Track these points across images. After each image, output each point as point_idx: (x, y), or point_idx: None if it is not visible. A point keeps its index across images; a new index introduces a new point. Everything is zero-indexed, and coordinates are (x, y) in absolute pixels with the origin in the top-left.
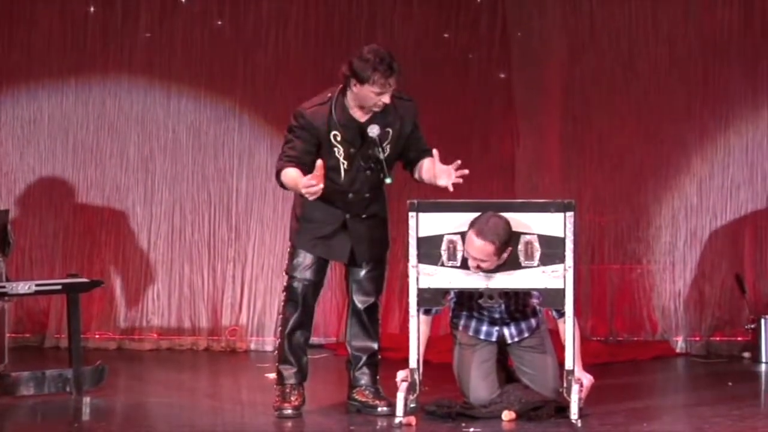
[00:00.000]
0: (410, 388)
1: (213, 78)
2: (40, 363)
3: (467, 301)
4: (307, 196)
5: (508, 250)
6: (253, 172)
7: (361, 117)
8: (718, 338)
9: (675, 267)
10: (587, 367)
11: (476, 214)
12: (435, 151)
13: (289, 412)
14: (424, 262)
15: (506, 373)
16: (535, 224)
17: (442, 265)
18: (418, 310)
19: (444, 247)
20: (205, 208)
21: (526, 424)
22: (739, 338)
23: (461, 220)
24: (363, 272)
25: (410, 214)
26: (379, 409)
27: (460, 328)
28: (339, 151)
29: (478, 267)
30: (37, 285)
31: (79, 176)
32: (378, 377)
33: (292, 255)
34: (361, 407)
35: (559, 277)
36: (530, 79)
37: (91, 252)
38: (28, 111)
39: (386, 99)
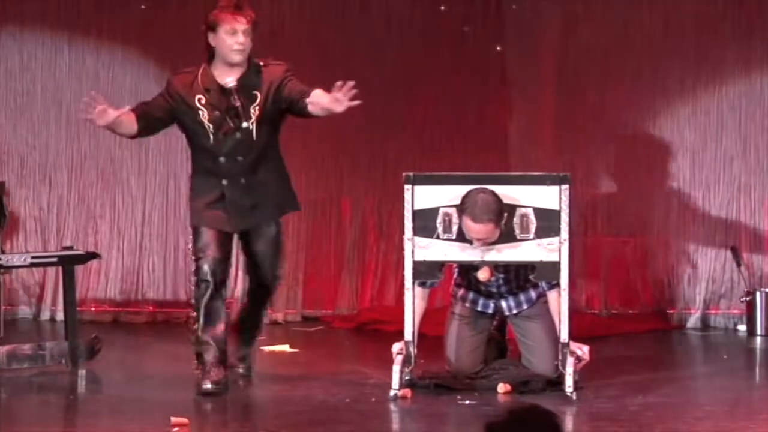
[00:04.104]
0: (405, 361)
1: None
2: (35, 335)
3: (466, 273)
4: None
5: (504, 217)
6: None
7: (224, 79)
8: (713, 311)
9: (669, 240)
10: (582, 340)
11: (470, 187)
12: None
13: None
14: (420, 235)
15: (499, 350)
16: (531, 197)
17: (438, 237)
18: (413, 283)
19: (439, 219)
20: None
21: (521, 398)
22: (735, 311)
23: (457, 192)
24: (253, 243)
25: (405, 186)
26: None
27: (458, 298)
28: (204, 114)
29: (484, 243)
30: (32, 257)
31: (73, 148)
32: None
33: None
34: None
35: (554, 250)
36: (524, 51)
37: (85, 224)
38: (21, 83)
39: (240, 38)
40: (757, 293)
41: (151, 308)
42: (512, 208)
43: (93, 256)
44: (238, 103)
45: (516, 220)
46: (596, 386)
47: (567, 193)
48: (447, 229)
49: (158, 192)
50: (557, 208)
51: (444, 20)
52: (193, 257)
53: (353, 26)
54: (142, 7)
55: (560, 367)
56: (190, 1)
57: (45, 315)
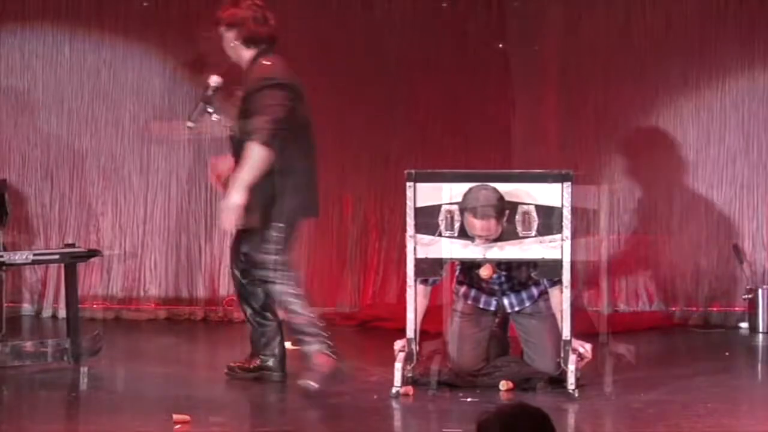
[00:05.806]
0: (407, 358)
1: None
2: (37, 332)
3: (468, 270)
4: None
5: (506, 214)
6: None
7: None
8: (715, 309)
9: (671, 237)
10: (584, 337)
11: (472, 184)
12: None
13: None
14: (422, 233)
15: (501, 348)
16: (533, 194)
17: (440, 235)
18: (415, 281)
19: (441, 217)
20: (201, 177)
21: (523, 395)
22: (737, 308)
23: (459, 190)
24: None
25: (408, 184)
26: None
27: (460, 295)
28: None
29: (486, 240)
30: (34, 255)
31: (75, 145)
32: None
33: None
34: None
35: (556, 247)
36: (526, 48)
37: (87, 222)
38: (23, 80)
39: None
40: (759, 291)
41: (152, 305)
42: (514, 206)
43: (94, 253)
44: (210, 109)
45: (518, 217)
46: (598, 383)
47: (569, 190)
48: (449, 226)
49: (160, 190)
50: (559, 205)
51: (446, 18)
52: None
53: (355, 23)
54: (144, 4)
55: (562, 365)
56: None
57: (47, 312)
